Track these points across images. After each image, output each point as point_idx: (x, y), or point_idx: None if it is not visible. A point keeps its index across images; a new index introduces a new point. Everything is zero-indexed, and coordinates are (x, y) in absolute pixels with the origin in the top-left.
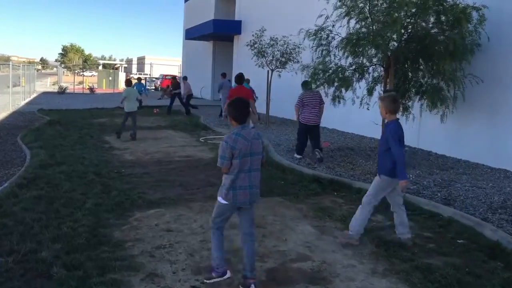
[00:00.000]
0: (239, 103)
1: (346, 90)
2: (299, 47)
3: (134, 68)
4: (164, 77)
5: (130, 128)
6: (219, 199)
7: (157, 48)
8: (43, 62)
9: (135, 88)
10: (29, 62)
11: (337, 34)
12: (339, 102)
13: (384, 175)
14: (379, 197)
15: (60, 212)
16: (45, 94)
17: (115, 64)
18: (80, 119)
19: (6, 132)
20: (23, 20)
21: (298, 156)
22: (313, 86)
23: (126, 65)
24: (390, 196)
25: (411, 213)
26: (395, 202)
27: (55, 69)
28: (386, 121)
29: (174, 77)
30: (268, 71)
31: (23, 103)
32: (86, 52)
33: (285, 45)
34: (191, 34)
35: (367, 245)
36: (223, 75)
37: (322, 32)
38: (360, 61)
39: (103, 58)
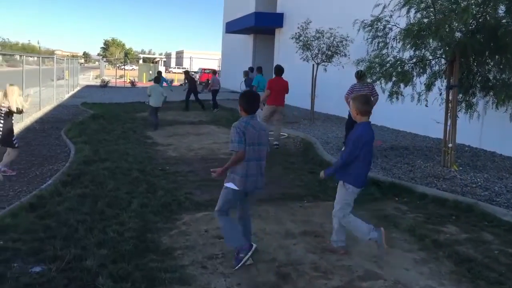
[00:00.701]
0: (251, 95)
1: (406, 86)
2: (346, 40)
3: (173, 62)
4: (203, 71)
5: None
6: (230, 185)
7: (196, 42)
8: (86, 56)
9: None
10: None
11: (395, 25)
12: (397, 98)
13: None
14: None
15: (105, 213)
16: (88, 87)
17: (155, 58)
18: (123, 113)
19: (50, 126)
20: (67, 15)
21: None
22: (369, 80)
23: (165, 59)
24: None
25: (487, 223)
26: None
27: (97, 63)
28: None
29: (214, 71)
30: (313, 65)
31: (66, 96)
32: (127, 47)
33: (332, 38)
34: (231, 27)
35: (444, 262)
36: (252, 70)
37: (379, 23)
38: (421, 54)
39: (142, 52)
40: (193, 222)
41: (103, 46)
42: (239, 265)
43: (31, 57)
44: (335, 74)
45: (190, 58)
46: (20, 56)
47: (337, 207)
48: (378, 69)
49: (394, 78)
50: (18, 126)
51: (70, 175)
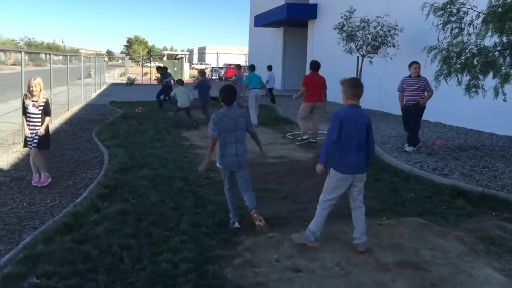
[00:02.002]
0: (229, 89)
1: (494, 77)
2: (395, 29)
3: (195, 58)
4: (228, 66)
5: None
6: (218, 164)
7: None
8: (109, 54)
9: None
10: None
11: (472, 8)
12: (476, 92)
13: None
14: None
15: (153, 236)
16: (114, 85)
17: (177, 55)
18: (153, 112)
19: (80, 127)
20: (90, 14)
21: (410, 149)
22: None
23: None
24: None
25: None
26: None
27: (120, 60)
28: None
29: (238, 66)
30: (358, 57)
31: (94, 95)
32: (149, 44)
33: (379, 27)
34: (260, 20)
35: None
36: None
37: (452, 6)
38: (510, 40)
39: (165, 49)
40: (257, 247)
41: (126, 44)
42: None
43: (58, 55)
44: (382, 66)
45: (217, 53)
46: (46, 54)
47: (321, 195)
48: (456, 59)
49: (477, 69)
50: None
51: (107, 187)
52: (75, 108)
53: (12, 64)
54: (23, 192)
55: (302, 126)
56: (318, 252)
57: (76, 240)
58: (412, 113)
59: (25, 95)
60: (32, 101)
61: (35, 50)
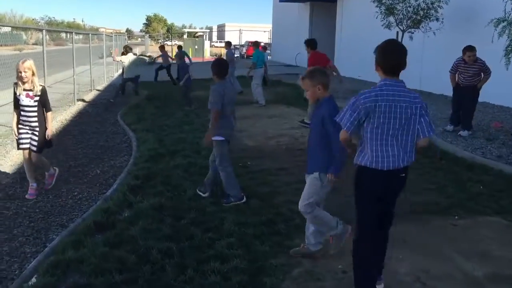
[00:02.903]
0: (222, 63)
1: None
2: (439, 1)
3: (215, 36)
4: (250, 44)
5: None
6: (217, 138)
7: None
8: (129, 32)
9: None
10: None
11: None
12: None
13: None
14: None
15: (195, 238)
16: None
17: (196, 33)
18: (177, 93)
19: (104, 109)
20: None
21: (465, 133)
22: None
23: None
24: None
25: None
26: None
27: (139, 39)
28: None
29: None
30: (397, 32)
31: (116, 74)
32: (168, 22)
33: None
34: None
35: None
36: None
37: None
38: None
39: (184, 27)
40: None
41: (145, 22)
42: (228, 205)
43: (79, 34)
44: (422, 42)
45: (239, 30)
46: (67, 33)
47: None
48: None
49: None
50: (70, 110)
51: (139, 178)
52: (98, 88)
53: (33, 44)
54: None
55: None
56: (389, 261)
57: (109, 242)
58: (468, 96)
59: (15, 83)
60: (25, 89)
61: (56, 29)
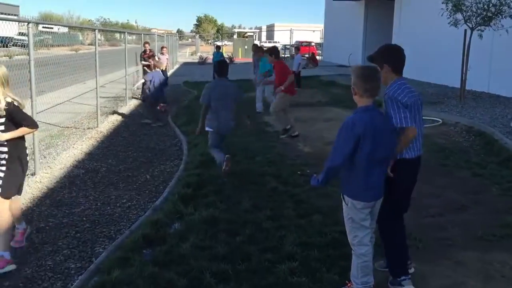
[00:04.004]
0: (222, 63)
1: None
2: None
3: (264, 36)
4: (300, 44)
5: None
6: (207, 128)
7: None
8: (180, 33)
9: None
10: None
11: None
12: None
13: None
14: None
15: (252, 260)
16: (186, 64)
17: (246, 33)
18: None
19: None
20: None
21: None
22: None
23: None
24: None
25: None
26: None
27: (190, 39)
28: None
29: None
30: (465, 30)
31: (167, 75)
32: (219, 22)
33: None
34: None
35: None
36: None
37: None
38: None
39: (233, 27)
40: (383, 281)
41: (196, 23)
42: (218, 163)
43: (131, 34)
44: (491, 41)
45: (290, 30)
46: (121, 33)
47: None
48: None
49: None
50: (121, 110)
51: (190, 185)
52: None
53: (89, 44)
54: (97, 188)
55: (285, 119)
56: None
57: (158, 261)
58: None
59: None
60: None
61: (108, 28)
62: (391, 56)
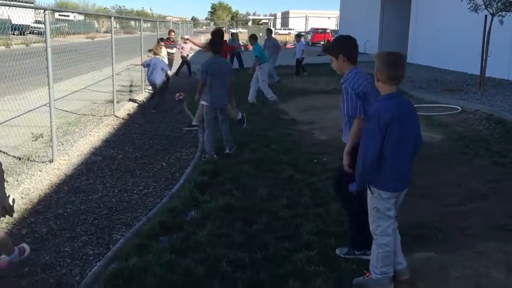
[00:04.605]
0: (217, 41)
1: None
2: None
3: (278, 23)
4: (315, 31)
5: None
6: (202, 102)
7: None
8: (194, 20)
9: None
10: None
11: None
12: None
13: None
14: None
15: (269, 249)
16: (200, 52)
17: (260, 20)
18: (244, 81)
19: (171, 96)
20: None
21: None
22: None
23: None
24: None
25: None
26: None
27: (204, 27)
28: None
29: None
30: (485, 16)
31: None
32: (233, 9)
33: None
34: None
35: None
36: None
37: None
38: None
39: (248, 14)
40: (413, 274)
41: (210, 10)
42: (203, 159)
43: (147, 21)
44: (510, 27)
45: (306, 17)
46: (136, 21)
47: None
48: None
49: None
50: (138, 97)
51: (206, 173)
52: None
53: (105, 32)
54: (114, 175)
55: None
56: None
57: (175, 249)
58: None
59: None
60: None
61: (124, 16)
62: (346, 46)
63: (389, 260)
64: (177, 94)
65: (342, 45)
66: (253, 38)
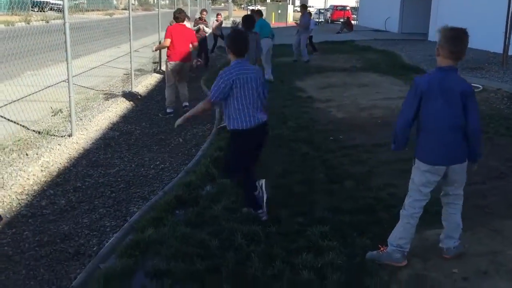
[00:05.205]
0: (240, 37)
1: None
2: None
3: (297, 1)
4: (334, 8)
5: None
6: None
7: None
8: None
9: None
10: None
11: None
12: None
13: None
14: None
15: (282, 223)
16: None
17: None
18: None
19: (192, 73)
20: None
21: None
22: None
23: None
24: None
25: None
26: None
27: (223, 4)
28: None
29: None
30: None
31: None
32: None
33: None
34: None
35: None
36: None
37: None
38: None
39: None
40: (426, 251)
41: None
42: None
43: None
44: None
45: None
46: None
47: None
48: None
49: None
50: (155, 75)
51: (222, 149)
52: None
53: (123, 9)
54: (132, 150)
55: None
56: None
57: (191, 222)
58: None
59: None
60: None
61: None
62: (233, 42)
63: (408, 234)
64: (195, 60)
65: (230, 40)
66: (258, 13)
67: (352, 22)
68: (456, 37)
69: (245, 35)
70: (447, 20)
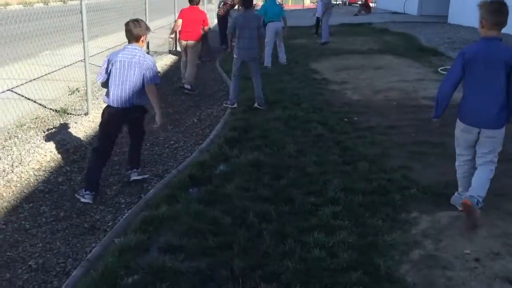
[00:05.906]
0: None
1: None
2: None
3: None
4: None
5: None
6: (234, 54)
7: None
8: None
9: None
10: None
11: None
12: None
13: None
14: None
15: (294, 202)
16: (233, 10)
17: None
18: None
19: (205, 56)
20: None
21: None
22: None
23: None
24: None
25: None
26: None
27: None
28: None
29: None
30: None
31: (216, 21)
32: None
33: None
34: None
35: None
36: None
37: None
38: None
39: None
40: (439, 232)
41: None
42: (225, 105)
43: None
44: None
45: None
46: None
47: None
48: None
49: None
50: (170, 56)
51: (236, 129)
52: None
53: None
54: (146, 129)
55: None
56: None
57: (204, 200)
58: None
59: None
60: None
61: None
62: None
63: (461, 182)
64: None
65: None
66: None
67: (370, 4)
68: (497, 10)
69: None
70: (466, 2)
